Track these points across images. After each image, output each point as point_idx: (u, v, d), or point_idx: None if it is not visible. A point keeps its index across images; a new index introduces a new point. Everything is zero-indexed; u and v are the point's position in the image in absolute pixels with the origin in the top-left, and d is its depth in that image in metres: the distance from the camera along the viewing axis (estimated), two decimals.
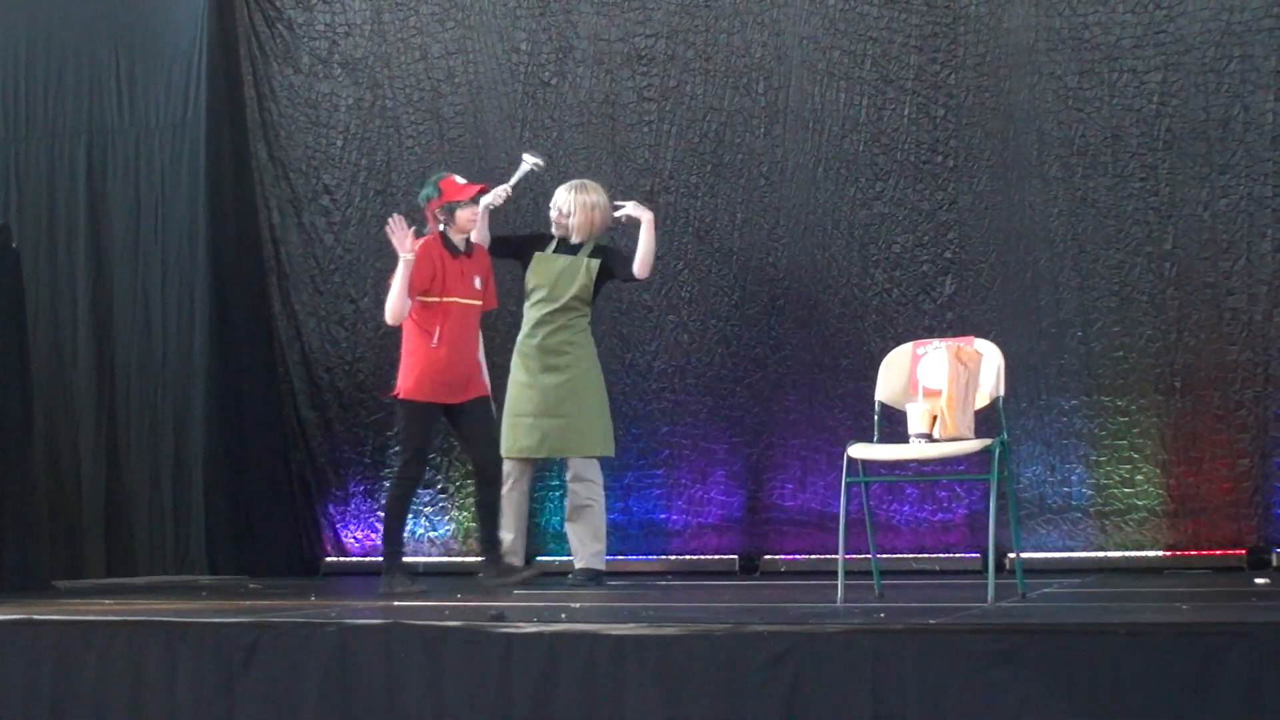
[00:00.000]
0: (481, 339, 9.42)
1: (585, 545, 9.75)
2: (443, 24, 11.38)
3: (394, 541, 9.31)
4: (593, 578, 9.70)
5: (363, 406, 11.39)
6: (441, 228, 9.14)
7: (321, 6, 11.59)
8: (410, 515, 11.19)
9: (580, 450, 9.76)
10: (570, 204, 9.77)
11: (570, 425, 9.74)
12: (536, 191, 10.59)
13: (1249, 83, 9.96)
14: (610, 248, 9.97)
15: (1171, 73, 10.09)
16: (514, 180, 9.91)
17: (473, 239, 9.33)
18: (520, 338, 9.88)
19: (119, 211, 11.84)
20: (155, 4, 11.90)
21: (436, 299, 9.00)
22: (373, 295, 11.37)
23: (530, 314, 9.89)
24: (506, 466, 9.61)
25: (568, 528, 9.87)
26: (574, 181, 9.93)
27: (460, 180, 9.17)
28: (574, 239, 9.80)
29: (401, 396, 9.11)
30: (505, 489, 9.54)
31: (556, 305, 9.79)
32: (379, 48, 11.51)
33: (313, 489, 11.50)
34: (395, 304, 8.95)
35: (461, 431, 9.35)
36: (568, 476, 9.83)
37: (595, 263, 9.77)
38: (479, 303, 9.22)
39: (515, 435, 9.74)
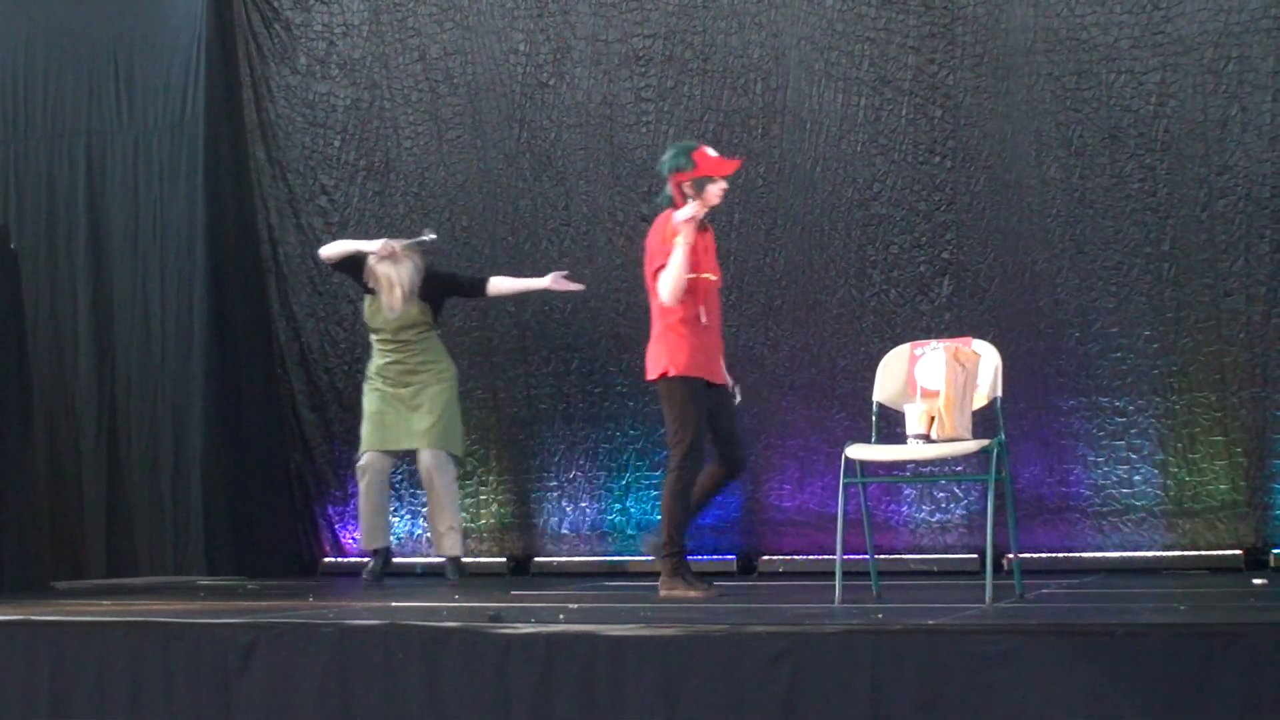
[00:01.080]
0: None
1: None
2: (440, 25, 11.38)
3: (682, 540, 8.61)
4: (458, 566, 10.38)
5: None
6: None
7: (319, 7, 11.60)
8: (407, 515, 11.24)
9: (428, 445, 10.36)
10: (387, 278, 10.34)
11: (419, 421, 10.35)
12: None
13: (1247, 83, 9.97)
14: (437, 276, 10.50)
15: (1169, 73, 10.09)
16: (410, 241, 10.42)
17: (325, 255, 10.25)
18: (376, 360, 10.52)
19: (118, 212, 11.86)
20: (153, 5, 11.91)
21: (694, 275, 8.58)
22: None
23: (377, 345, 10.55)
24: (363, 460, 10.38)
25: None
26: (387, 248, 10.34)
27: (712, 153, 8.75)
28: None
29: (675, 374, 8.52)
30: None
31: (401, 339, 10.46)
32: (377, 48, 11.51)
33: (311, 490, 11.51)
34: (679, 282, 8.48)
35: (714, 415, 8.73)
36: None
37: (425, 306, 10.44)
38: (719, 279, 8.88)
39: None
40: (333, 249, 10.45)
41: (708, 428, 8.54)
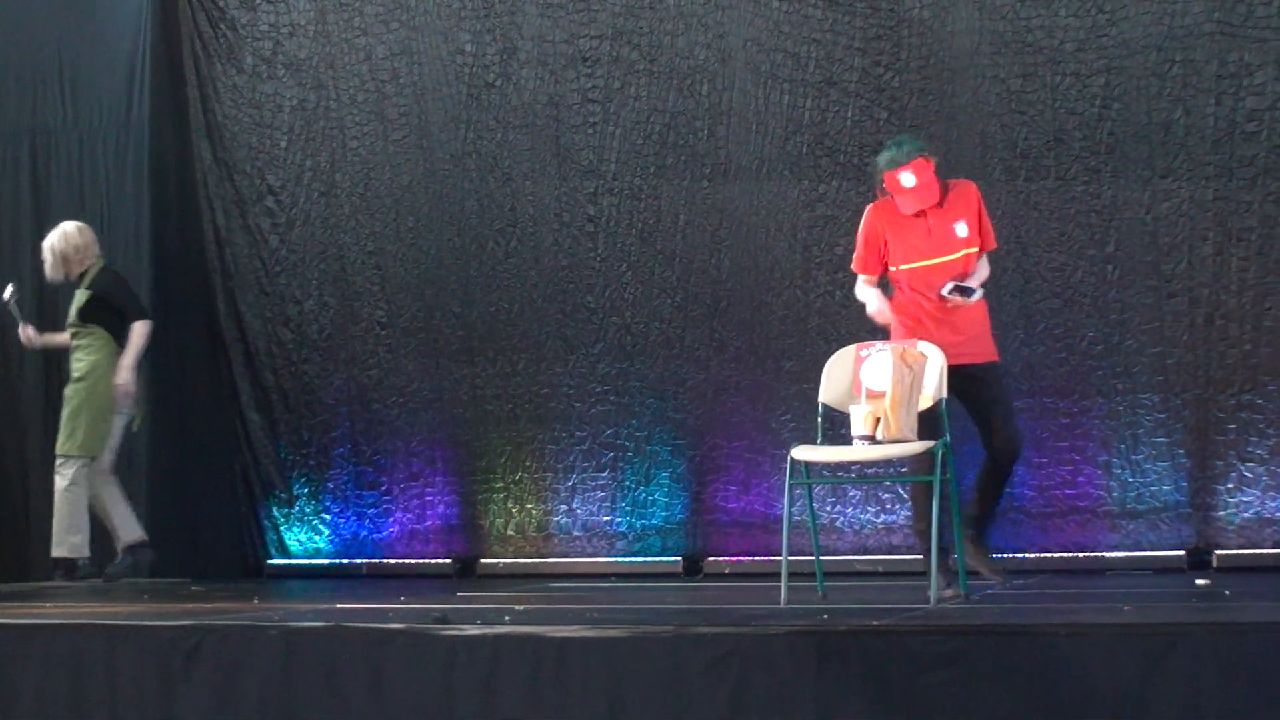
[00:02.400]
0: None
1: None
2: (387, 25, 11.36)
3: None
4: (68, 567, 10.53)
5: (308, 408, 11.37)
6: None
7: (265, 7, 11.56)
8: (353, 516, 11.22)
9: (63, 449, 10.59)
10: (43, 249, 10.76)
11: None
12: None
13: (1190, 86, 10.02)
14: (107, 283, 10.65)
15: (1114, 76, 10.15)
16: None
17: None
18: None
19: (62, 213, 11.73)
20: (98, 4, 11.83)
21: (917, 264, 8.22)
22: (317, 297, 11.35)
23: None
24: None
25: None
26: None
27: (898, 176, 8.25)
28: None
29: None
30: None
31: (70, 331, 10.75)
32: (323, 48, 11.47)
33: (257, 491, 11.47)
34: None
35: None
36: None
37: (84, 294, 10.65)
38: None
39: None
40: None
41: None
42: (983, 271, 8.21)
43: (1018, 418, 8.31)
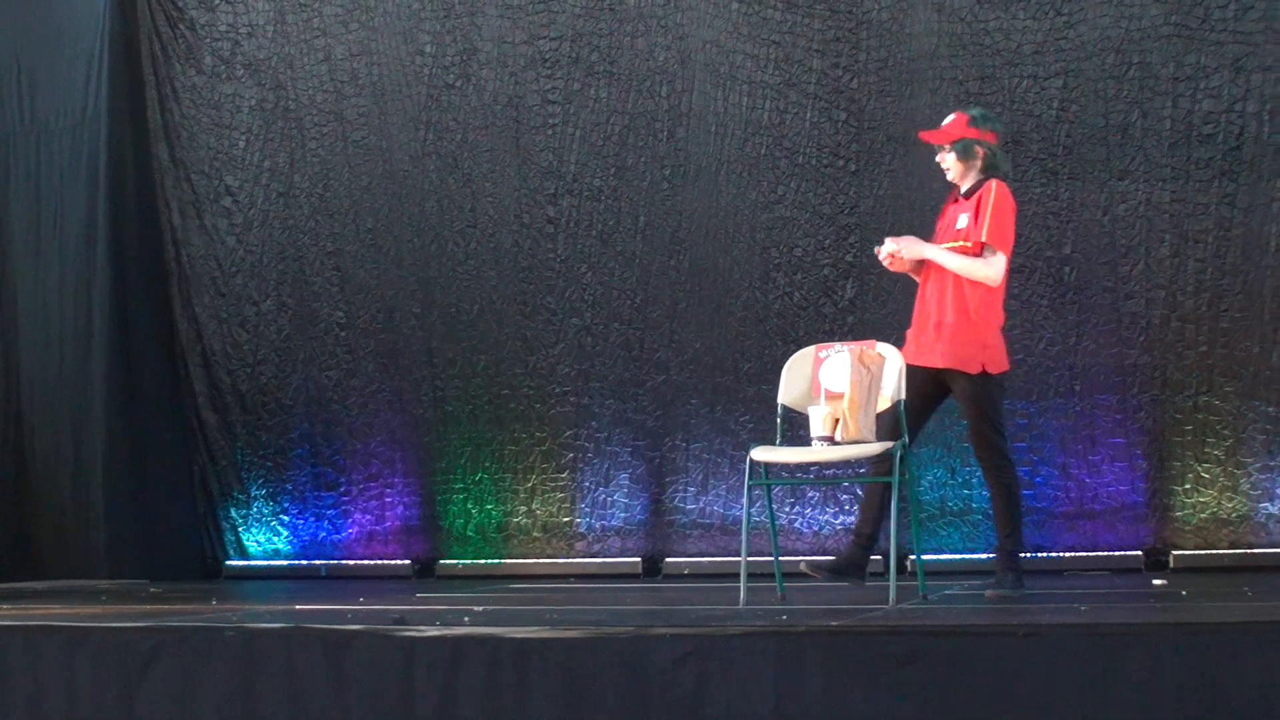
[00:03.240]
0: None
1: None
2: (346, 26, 11.34)
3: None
4: None
5: (266, 409, 11.34)
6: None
7: (224, 7, 11.53)
8: (312, 517, 11.20)
9: None
10: None
11: None
12: None
13: (1147, 89, 10.07)
14: None
15: (1071, 79, 10.19)
16: None
17: None
18: None
19: (19, 213, 11.72)
20: (56, 4, 11.78)
21: None
22: (275, 298, 11.32)
23: None
24: None
25: None
26: None
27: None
28: None
29: (1005, 370, 8.21)
30: None
31: None
32: (282, 49, 11.45)
33: (214, 492, 11.44)
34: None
35: None
36: None
37: None
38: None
39: None
40: None
41: None
42: (963, 263, 7.95)
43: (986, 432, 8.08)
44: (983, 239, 7.92)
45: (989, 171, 8.09)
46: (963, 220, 8.00)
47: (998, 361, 8.01)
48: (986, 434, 7.96)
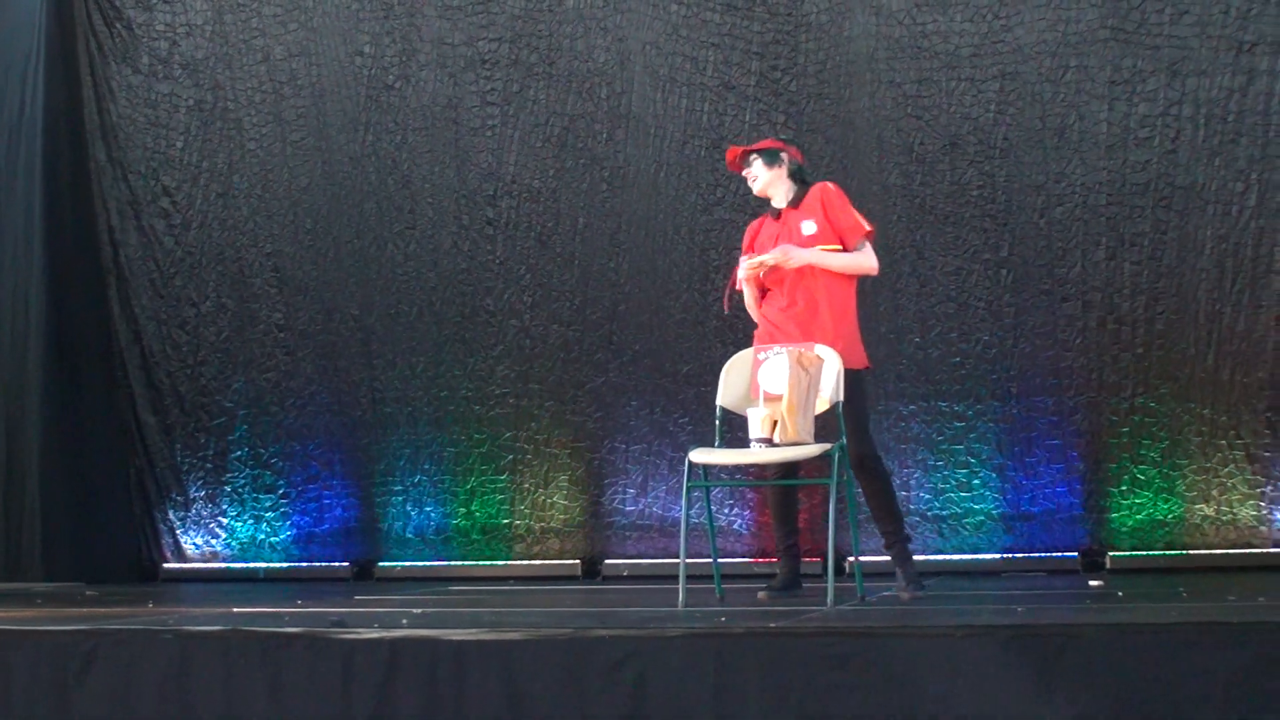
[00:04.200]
0: None
1: None
2: (285, 26, 11.31)
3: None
4: None
5: (205, 411, 11.29)
6: None
7: (162, 6, 11.48)
8: (250, 519, 11.16)
9: None
10: None
11: None
12: None
13: (1084, 92, 10.13)
14: None
15: (1009, 82, 10.24)
16: None
17: None
18: None
19: None
20: None
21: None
22: (214, 299, 11.28)
23: None
24: None
25: None
26: None
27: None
28: None
29: (869, 366, 8.21)
30: None
31: None
32: (220, 49, 11.41)
33: (152, 494, 11.38)
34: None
35: None
36: None
37: None
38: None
39: None
40: None
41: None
42: (847, 260, 7.98)
43: (869, 430, 8.07)
44: (866, 228, 8.05)
45: (798, 175, 8.17)
46: (809, 226, 8.00)
47: (865, 357, 8.12)
48: (865, 429, 7.98)
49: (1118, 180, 10.10)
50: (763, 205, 8.34)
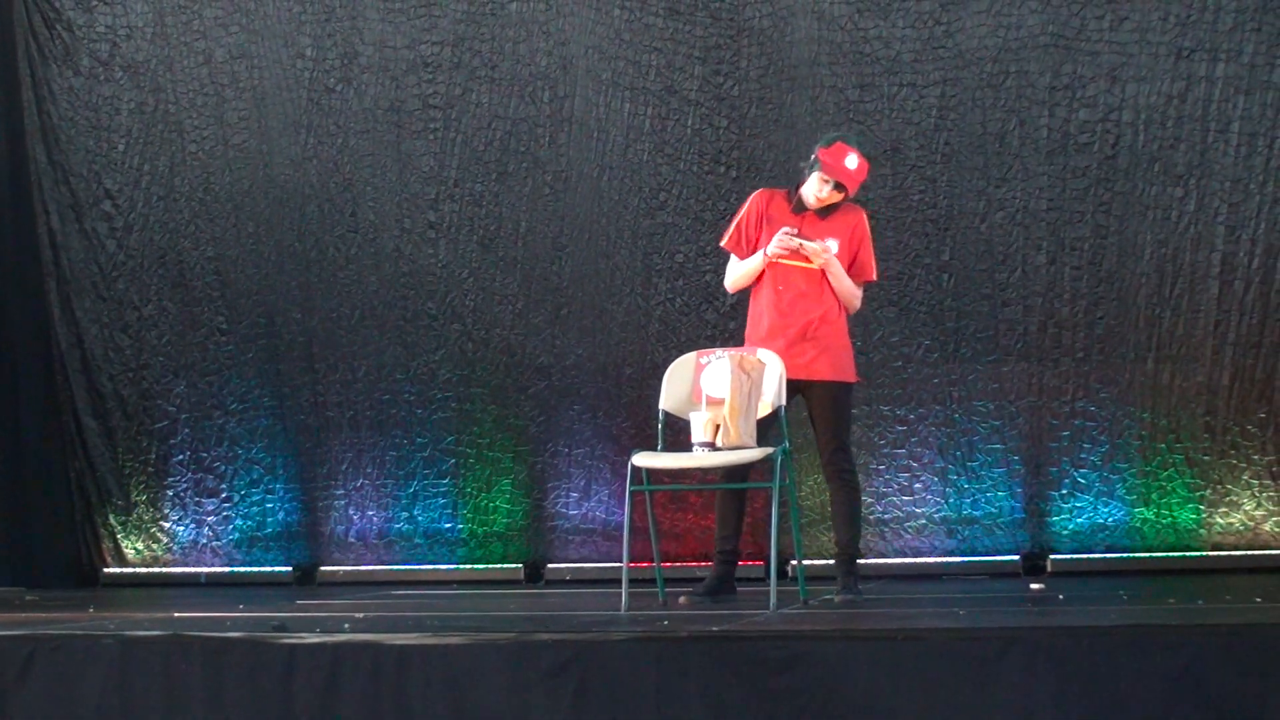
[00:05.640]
0: None
1: None
2: (226, 28, 11.27)
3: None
4: None
5: (147, 415, 11.24)
6: None
7: (102, 8, 11.42)
8: (192, 524, 11.11)
9: None
10: None
11: None
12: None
13: (1025, 98, 10.18)
14: None
15: (950, 87, 10.29)
16: None
17: None
18: None
19: None
20: None
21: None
22: (156, 303, 11.23)
23: None
24: None
25: None
26: None
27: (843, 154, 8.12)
28: None
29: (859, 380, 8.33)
30: None
31: None
32: (161, 51, 11.36)
33: (92, 498, 11.31)
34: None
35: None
36: None
37: None
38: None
39: None
40: None
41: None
42: (850, 288, 8.04)
43: (848, 441, 8.13)
44: (874, 278, 8.21)
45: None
46: (833, 245, 7.97)
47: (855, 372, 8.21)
48: (846, 441, 8.02)
49: (1058, 185, 10.16)
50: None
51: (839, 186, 8.01)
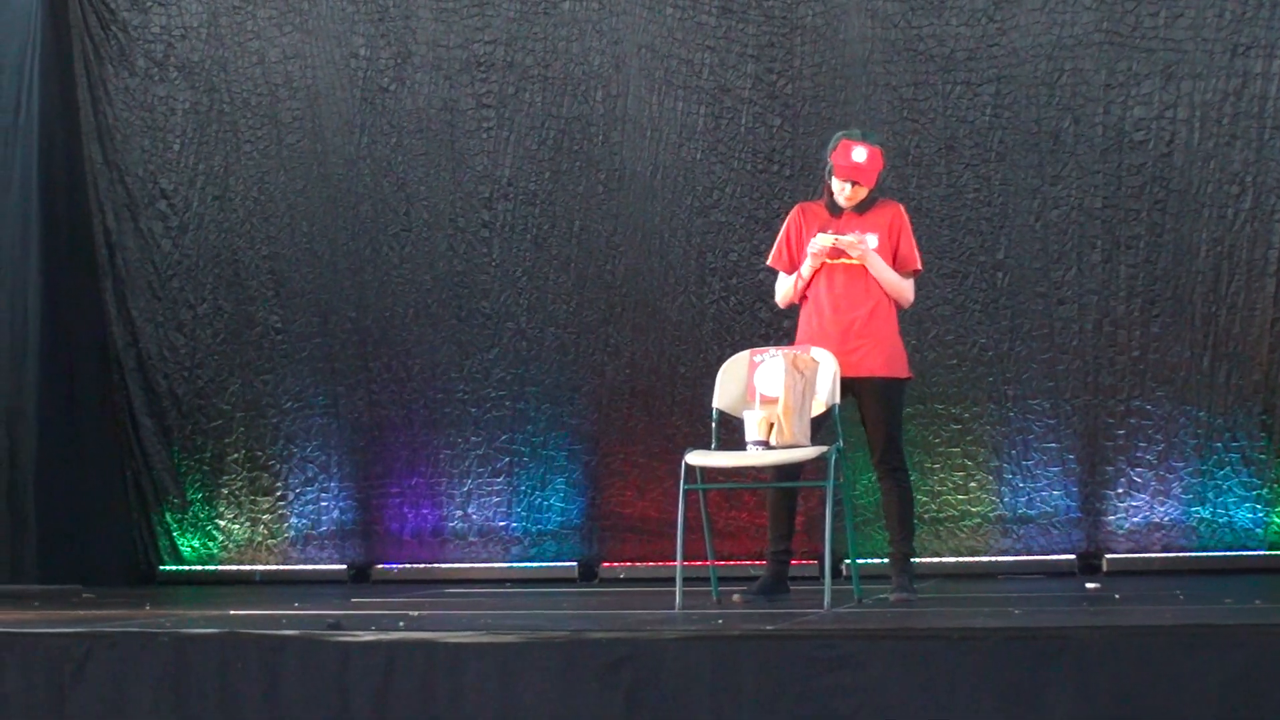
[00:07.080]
0: None
1: None
2: (280, 28, 11.30)
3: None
4: None
5: (202, 413, 11.29)
6: None
7: (157, 9, 11.47)
8: (248, 522, 11.15)
9: None
10: None
11: None
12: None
13: (1079, 95, 10.15)
14: None
15: (1004, 85, 10.25)
16: None
17: None
18: None
19: None
20: None
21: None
22: (211, 302, 11.28)
23: None
24: None
25: None
26: None
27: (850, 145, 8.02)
28: None
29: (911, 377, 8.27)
30: None
31: None
32: (216, 51, 11.40)
33: (149, 496, 11.36)
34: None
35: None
36: None
37: None
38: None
39: None
40: None
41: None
42: (897, 280, 7.96)
43: (901, 439, 8.06)
44: (919, 268, 8.07)
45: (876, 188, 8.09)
46: (873, 240, 7.92)
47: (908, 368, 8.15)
48: (898, 438, 7.99)
49: (1113, 183, 10.12)
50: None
51: (857, 183, 7.99)
